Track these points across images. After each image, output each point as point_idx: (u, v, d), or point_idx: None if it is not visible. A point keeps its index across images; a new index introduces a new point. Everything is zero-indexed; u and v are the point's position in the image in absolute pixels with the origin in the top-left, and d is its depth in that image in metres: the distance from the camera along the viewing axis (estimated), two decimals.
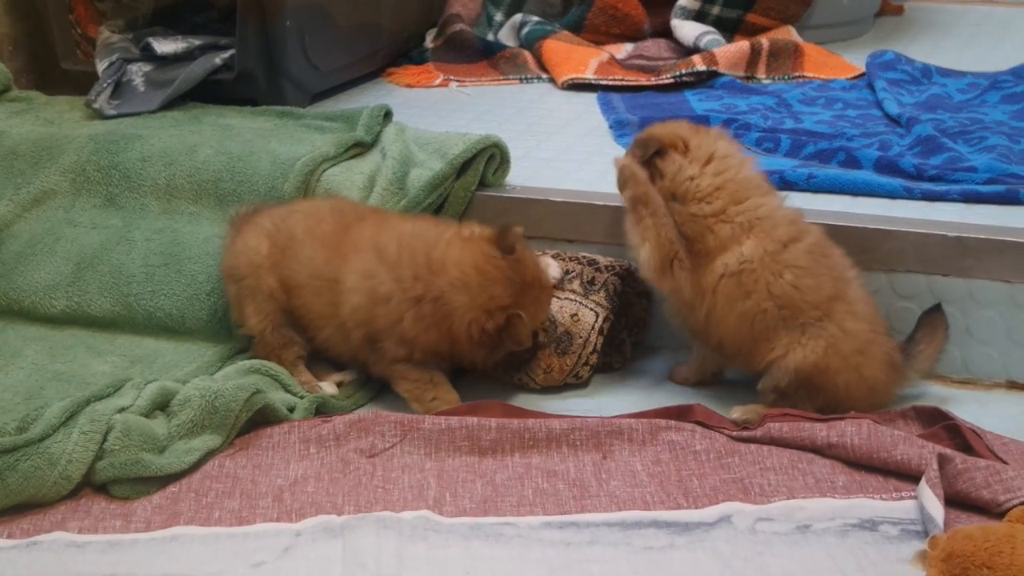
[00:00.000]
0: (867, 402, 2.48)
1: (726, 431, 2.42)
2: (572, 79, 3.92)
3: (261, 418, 2.49)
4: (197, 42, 3.70)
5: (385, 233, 2.60)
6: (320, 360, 2.72)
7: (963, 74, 3.95)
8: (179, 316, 2.87)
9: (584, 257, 2.78)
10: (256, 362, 2.60)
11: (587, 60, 4.00)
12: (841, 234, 2.71)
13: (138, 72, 3.61)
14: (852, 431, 2.33)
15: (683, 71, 3.89)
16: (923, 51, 4.20)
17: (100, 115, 3.44)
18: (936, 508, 2.12)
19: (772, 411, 2.45)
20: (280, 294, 2.66)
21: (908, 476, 2.26)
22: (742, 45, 4.01)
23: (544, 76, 4.06)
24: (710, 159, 2.55)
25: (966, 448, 2.32)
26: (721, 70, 3.92)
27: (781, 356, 2.47)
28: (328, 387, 2.65)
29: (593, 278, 2.71)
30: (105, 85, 3.53)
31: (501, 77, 4.06)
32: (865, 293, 2.54)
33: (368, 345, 2.58)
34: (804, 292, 2.46)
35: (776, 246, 2.48)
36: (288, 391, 2.59)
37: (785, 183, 2.95)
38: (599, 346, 2.67)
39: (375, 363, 2.60)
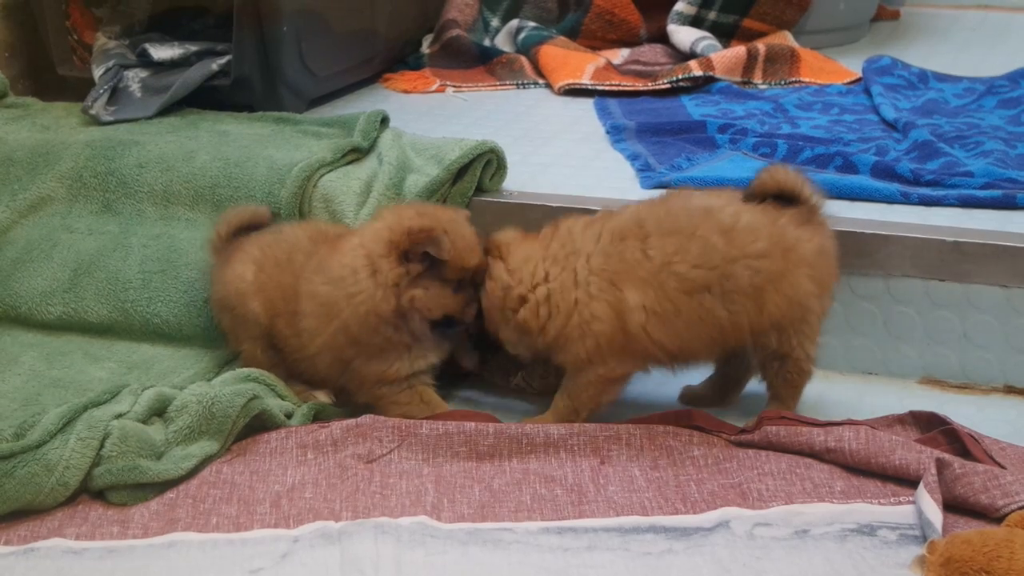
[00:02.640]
0: None
1: (724, 435, 2.42)
2: (569, 84, 3.92)
3: (259, 424, 2.48)
4: (193, 48, 3.70)
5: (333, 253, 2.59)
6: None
7: (959, 79, 3.96)
8: (176, 322, 2.87)
9: None
10: (252, 371, 2.59)
11: (584, 65, 4.00)
12: (838, 239, 2.71)
13: (135, 78, 3.61)
14: (850, 436, 2.33)
15: (680, 76, 3.89)
16: (919, 56, 4.21)
17: (97, 121, 3.44)
18: (934, 513, 2.12)
19: (769, 413, 2.45)
20: (264, 318, 2.65)
21: (906, 481, 2.26)
22: (738, 50, 4.02)
23: (541, 81, 4.06)
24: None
25: (964, 453, 2.32)
26: (718, 75, 3.92)
27: None
28: (323, 396, 2.64)
29: None
30: (102, 91, 3.53)
31: (497, 82, 4.06)
32: None
33: (342, 371, 2.58)
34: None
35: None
36: (284, 400, 2.58)
37: None
38: None
39: (357, 390, 2.58)
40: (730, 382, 2.63)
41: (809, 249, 2.38)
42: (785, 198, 2.41)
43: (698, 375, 2.64)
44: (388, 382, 2.53)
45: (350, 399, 2.60)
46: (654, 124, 3.48)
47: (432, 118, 3.66)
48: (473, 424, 2.43)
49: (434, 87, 4.00)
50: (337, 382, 2.61)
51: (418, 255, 2.44)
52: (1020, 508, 2.15)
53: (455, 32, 4.23)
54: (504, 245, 2.51)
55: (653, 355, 2.42)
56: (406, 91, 3.99)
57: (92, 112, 3.46)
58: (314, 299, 2.55)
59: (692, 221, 2.39)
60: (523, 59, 4.15)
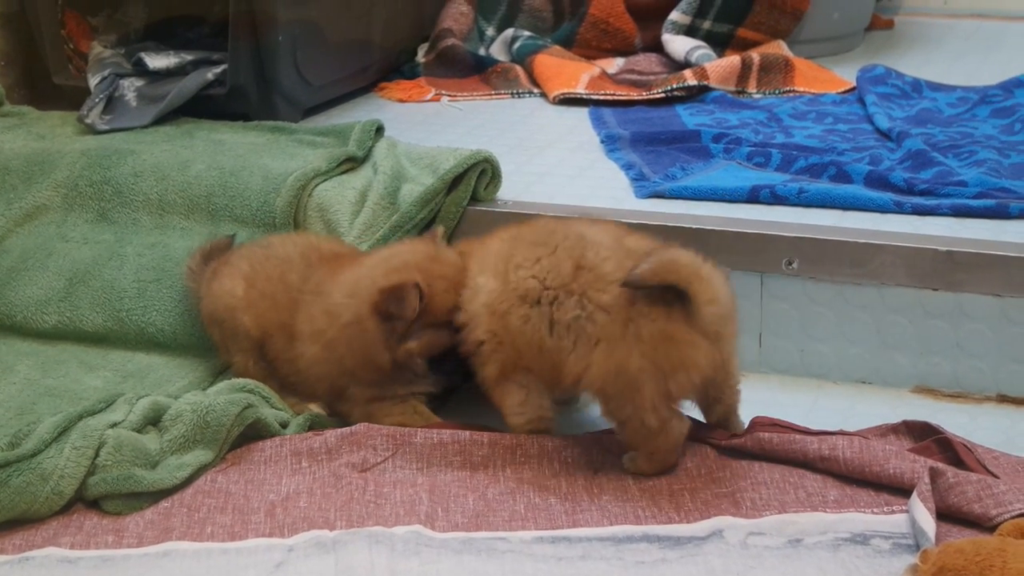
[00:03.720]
0: None
1: (714, 440, 2.42)
2: (563, 94, 3.93)
3: (253, 433, 2.49)
4: (189, 57, 3.71)
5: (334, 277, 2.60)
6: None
7: (953, 88, 3.97)
8: (171, 331, 2.87)
9: None
10: (247, 381, 2.58)
11: (578, 75, 4.01)
12: (832, 248, 2.73)
13: (130, 87, 3.62)
14: (843, 445, 2.33)
15: (674, 85, 3.90)
16: (913, 65, 4.22)
17: (92, 130, 3.44)
18: (928, 522, 2.12)
19: (761, 419, 2.45)
20: (255, 333, 2.65)
21: (900, 490, 2.27)
22: (733, 60, 4.03)
23: (535, 91, 4.06)
24: None
25: (957, 462, 2.32)
26: (712, 84, 3.93)
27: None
28: (317, 407, 2.62)
29: None
30: (97, 100, 3.53)
31: (493, 92, 4.07)
32: None
33: (336, 395, 2.59)
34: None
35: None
36: (278, 410, 2.59)
37: (776, 197, 2.96)
38: None
39: (349, 412, 2.57)
40: None
41: (649, 329, 2.24)
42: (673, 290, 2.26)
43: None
44: (383, 400, 2.54)
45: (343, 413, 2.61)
46: (648, 133, 3.49)
47: (427, 127, 3.66)
48: (467, 433, 2.44)
49: (429, 96, 4.00)
50: (330, 400, 2.61)
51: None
52: (1013, 517, 2.15)
53: (450, 41, 4.23)
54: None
55: (498, 352, 2.40)
56: (401, 100, 3.99)
57: (88, 121, 3.46)
58: (311, 324, 2.56)
59: (560, 241, 2.37)
60: (518, 68, 4.16)
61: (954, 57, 4.51)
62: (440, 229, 2.62)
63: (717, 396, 2.40)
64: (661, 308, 2.24)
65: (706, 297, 2.23)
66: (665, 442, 2.33)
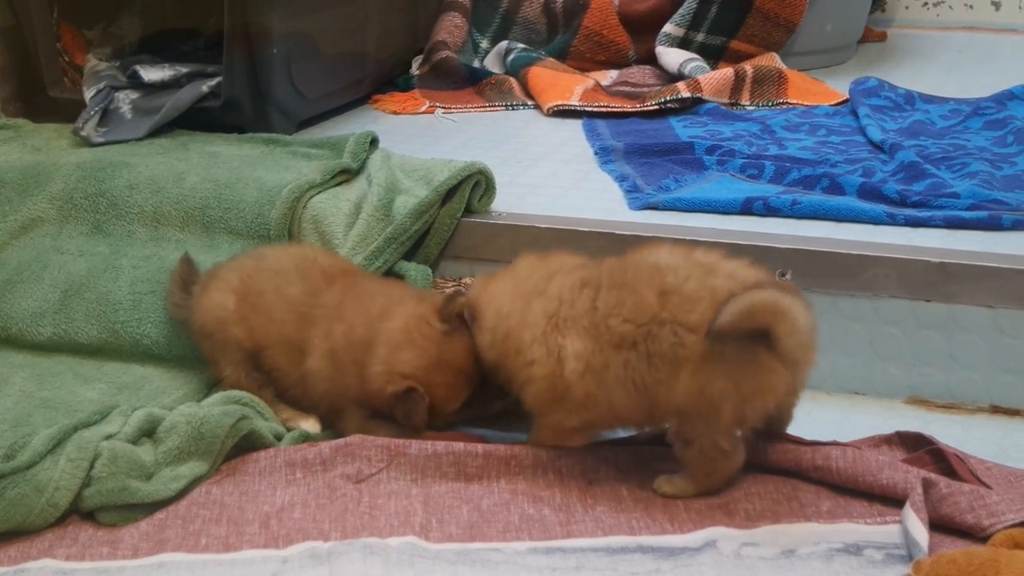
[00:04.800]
0: None
1: None
2: (557, 106, 3.94)
3: (248, 444, 2.49)
4: (184, 70, 3.72)
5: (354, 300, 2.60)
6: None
7: (946, 100, 3.98)
8: (166, 343, 2.87)
9: None
10: (241, 393, 2.59)
11: (572, 87, 4.02)
12: (825, 260, 2.73)
13: (125, 100, 3.63)
14: (837, 455, 2.34)
15: (668, 97, 3.91)
16: (906, 77, 4.23)
17: (87, 142, 3.45)
18: (920, 532, 2.13)
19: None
20: (248, 343, 2.65)
21: (893, 501, 2.27)
22: (726, 72, 4.04)
23: (530, 103, 4.07)
24: None
25: (950, 473, 2.33)
26: (705, 96, 3.94)
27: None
28: (308, 425, 2.61)
29: None
30: (92, 113, 3.54)
31: (487, 104, 4.08)
32: None
33: (336, 412, 2.60)
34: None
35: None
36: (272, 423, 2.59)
37: (769, 209, 2.96)
38: None
39: (345, 428, 2.58)
40: None
41: (733, 350, 2.21)
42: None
43: None
44: (381, 418, 2.55)
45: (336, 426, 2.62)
46: (642, 145, 3.50)
47: (421, 139, 3.67)
48: (462, 445, 2.44)
49: (423, 108, 4.01)
50: (328, 414, 2.62)
51: None
52: (1006, 528, 2.16)
53: (444, 53, 4.25)
54: (475, 304, 2.49)
55: (591, 409, 2.37)
56: (395, 112, 4.00)
57: (83, 133, 3.47)
58: (328, 341, 2.57)
59: (635, 274, 2.33)
60: (512, 80, 4.17)
61: (947, 69, 4.52)
62: (462, 299, 2.55)
63: (779, 417, 2.40)
64: None
65: (787, 331, 2.21)
66: (727, 467, 2.33)
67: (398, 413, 2.46)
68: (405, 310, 2.53)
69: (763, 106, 4.00)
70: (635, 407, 2.33)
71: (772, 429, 2.40)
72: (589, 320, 2.33)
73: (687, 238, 2.80)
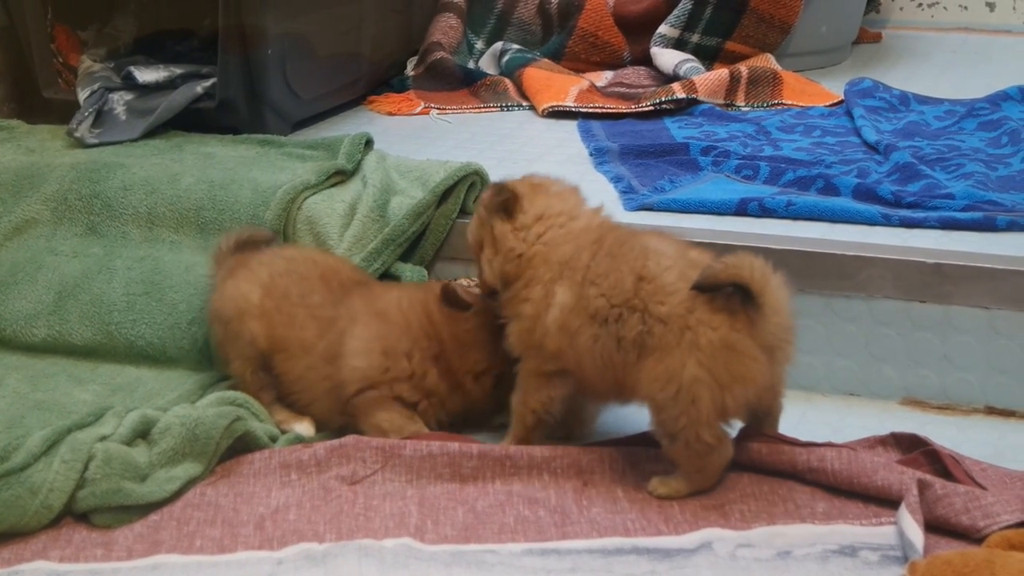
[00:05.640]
0: None
1: None
2: (552, 107, 3.94)
3: (242, 446, 2.48)
4: (179, 71, 3.71)
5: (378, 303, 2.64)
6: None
7: (940, 101, 3.98)
8: (160, 345, 2.87)
9: None
10: (237, 395, 2.58)
11: (567, 88, 4.01)
12: (820, 261, 2.73)
13: (120, 101, 3.62)
14: (832, 456, 2.34)
15: (663, 98, 3.90)
16: (901, 78, 4.23)
17: (82, 144, 3.44)
18: (916, 534, 2.13)
19: (750, 430, 2.45)
20: (263, 343, 2.64)
21: (888, 502, 2.27)
22: (721, 73, 4.03)
23: (524, 104, 4.07)
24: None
25: (945, 474, 2.33)
26: (700, 97, 3.94)
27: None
28: (303, 428, 2.61)
29: None
30: (87, 114, 3.53)
31: (482, 105, 4.07)
32: None
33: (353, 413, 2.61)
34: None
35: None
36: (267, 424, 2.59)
37: (764, 210, 2.97)
38: None
39: (373, 422, 2.59)
40: (576, 418, 2.59)
41: (708, 338, 2.22)
42: (742, 290, 2.24)
43: None
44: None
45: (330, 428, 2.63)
46: (637, 146, 3.50)
47: (416, 140, 3.67)
48: (457, 445, 2.44)
49: (418, 109, 4.01)
50: (334, 415, 2.63)
51: None
52: (1001, 529, 2.16)
53: (439, 54, 4.24)
54: (519, 197, 2.49)
55: (563, 361, 2.40)
56: (390, 113, 4.00)
57: (77, 135, 3.46)
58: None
59: (626, 253, 2.35)
60: (507, 81, 4.16)
61: (941, 70, 4.52)
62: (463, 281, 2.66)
63: (766, 413, 2.40)
64: (724, 316, 2.23)
65: (774, 306, 2.23)
66: (717, 461, 2.33)
67: (449, 304, 2.53)
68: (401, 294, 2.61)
69: (758, 107, 4.00)
70: (600, 379, 2.36)
71: (759, 427, 2.41)
72: (582, 276, 2.36)
73: (683, 239, 2.80)
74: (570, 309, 2.36)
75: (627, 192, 3.15)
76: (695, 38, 4.27)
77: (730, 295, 2.23)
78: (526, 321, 2.42)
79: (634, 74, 4.29)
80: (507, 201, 2.46)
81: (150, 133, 3.50)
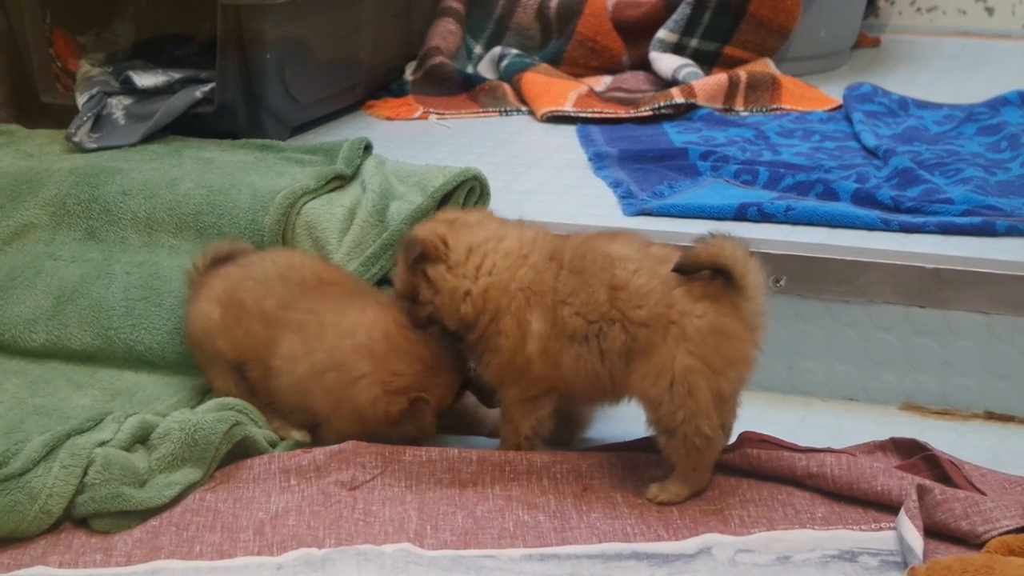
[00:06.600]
0: None
1: None
2: (551, 111, 3.94)
3: (242, 451, 2.48)
4: (177, 75, 3.71)
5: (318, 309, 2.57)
6: None
7: (939, 106, 3.98)
8: (159, 350, 2.87)
9: None
10: (234, 400, 2.58)
11: (566, 93, 4.01)
12: (819, 266, 2.73)
13: (118, 105, 3.62)
14: (832, 462, 2.34)
15: (662, 103, 3.91)
16: (900, 83, 4.23)
17: (80, 148, 3.44)
18: (915, 539, 2.13)
19: (750, 434, 2.45)
20: (232, 356, 2.63)
21: (887, 507, 2.28)
22: (720, 78, 4.04)
23: (523, 109, 4.07)
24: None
25: (945, 479, 2.33)
26: (699, 102, 3.94)
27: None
28: (300, 435, 2.60)
29: None
30: (85, 118, 3.53)
31: (480, 110, 4.07)
32: None
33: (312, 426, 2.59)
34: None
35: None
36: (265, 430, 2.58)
37: (764, 215, 2.97)
38: None
39: (324, 437, 2.57)
40: (571, 423, 2.58)
41: (696, 326, 2.23)
42: (721, 273, 2.25)
43: None
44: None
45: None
46: (636, 151, 3.50)
47: (415, 145, 3.67)
48: (456, 451, 2.44)
49: (417, 114, 4.01)
50: (306, 423, 2.61)
51: None
52: (1001, 534, 2.16)
53: (438, 59, 4.24)
54: (441, 242, 2.44)
55: (551, 381, 2.40)
56: (389, 118, 3.99)
57: (76, 139, 3.46)
58: (297, 357, 2.56)
59: (589, 266, 2.34)
60: (506, 86, 4.17)
61: (940, 75, 4.52)
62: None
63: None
64: (707, 303, 2.24)
65: (754, 288, 2.25)
66: (711, 456, 2.33)
67: (411, 428, 2.47)
68: (372, 314, 2.52)
69: (757, 112, 4.00)
70: (590, 389, 2.37)
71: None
72: (552, 299, 2.35)
73: (681, 244, 2.80)
74: (548, 336, 2.36)
75: (626, 197, 3.15)
76: (694, 43, 4.27)
77: (707, 283, 2.25)
78: (504, 354, 2.40)
79: (633, 79, 4.29)
80: (423, 253, 2.43)
81: (149, 138, 3.49)
